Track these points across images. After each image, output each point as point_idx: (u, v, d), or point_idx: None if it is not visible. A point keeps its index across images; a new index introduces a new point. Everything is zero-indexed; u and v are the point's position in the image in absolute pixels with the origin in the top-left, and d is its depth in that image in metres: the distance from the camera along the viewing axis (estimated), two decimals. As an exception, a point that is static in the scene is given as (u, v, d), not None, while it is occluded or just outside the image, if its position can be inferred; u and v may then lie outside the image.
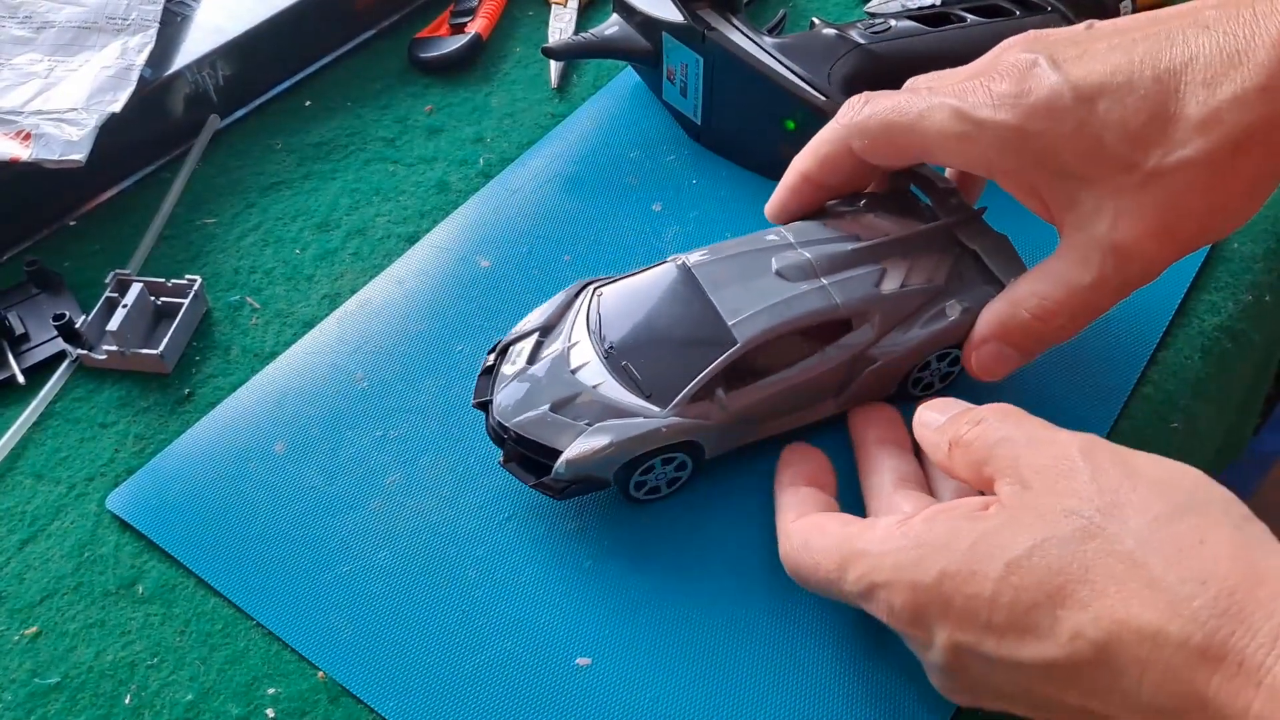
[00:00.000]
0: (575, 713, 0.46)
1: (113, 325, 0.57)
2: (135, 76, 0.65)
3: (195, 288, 0.61)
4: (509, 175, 0.68)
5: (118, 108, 0.64)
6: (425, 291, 0.62)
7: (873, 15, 0.78)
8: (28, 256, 0.64)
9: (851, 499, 0.50)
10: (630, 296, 0.52)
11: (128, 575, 0.51)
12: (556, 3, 0.80)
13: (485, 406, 0.52)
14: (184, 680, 0.48)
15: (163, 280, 0.61)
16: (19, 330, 0.60)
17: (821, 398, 0.52)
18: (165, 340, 0.58)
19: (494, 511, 0.52)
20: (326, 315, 0.61)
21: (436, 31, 0.77)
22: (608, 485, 0.50)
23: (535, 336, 0.53)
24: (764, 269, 0.51)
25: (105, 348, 0.58)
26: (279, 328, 0.61)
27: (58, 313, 0.58)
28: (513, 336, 0.54)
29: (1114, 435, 0.55)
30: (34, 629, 0.50)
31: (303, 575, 0.50)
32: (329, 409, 0.57)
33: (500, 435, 0.51)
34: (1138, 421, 0.55)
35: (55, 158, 0.61)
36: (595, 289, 0.54)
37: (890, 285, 0.51)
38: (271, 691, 0.47)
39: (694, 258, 0.52)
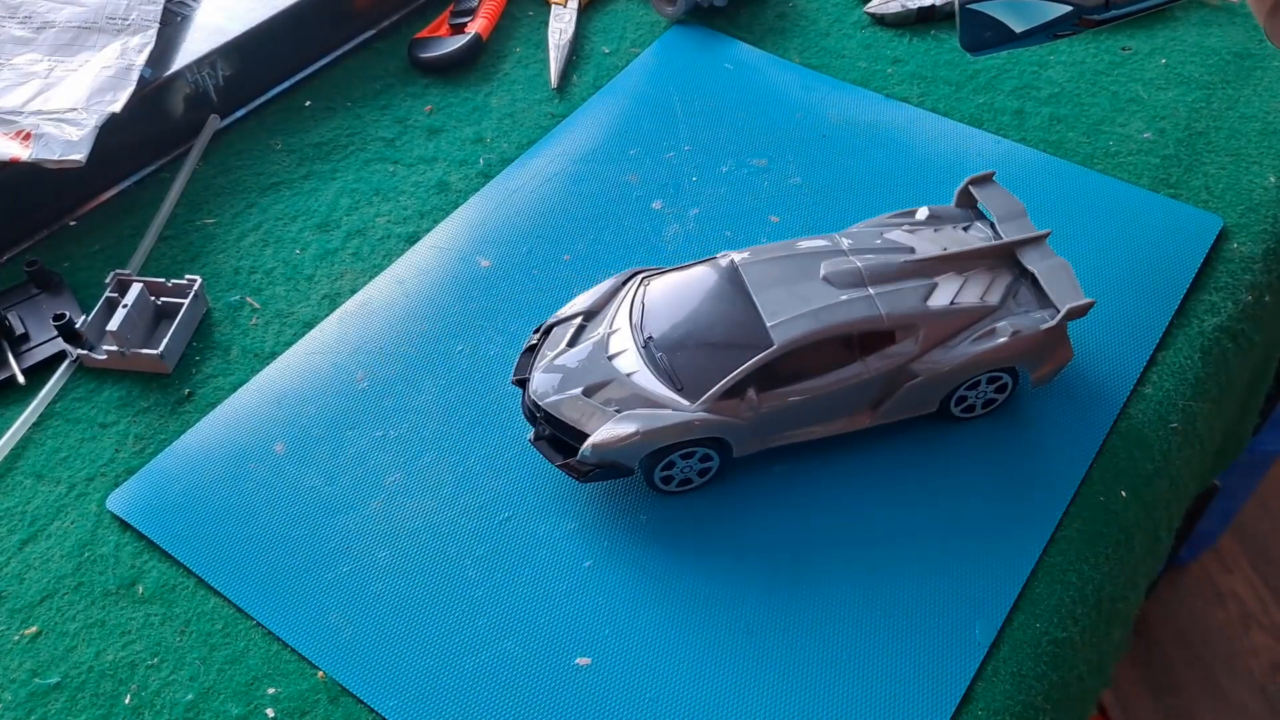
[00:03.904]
0: (575, 713, 0.46)
1: (113, 325, 0.57)
2: (135, 76, 0.65)
3: (195, 288, 0.61)
4: (509, 175, 0.68)
5: (118, 108, 0.64)
6: (425, 291, 0.62)
7: (873, 15, 0.78)
8: (28, 256, 0.64)
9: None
10: (676, 289, 0.52)
11: (128, 575, 0.51)
12: (556, 3, 0.80)
13: (523, 384, 0.52)
14: (184, 680, 0.48)
15: (163, 280, 0.61)
16: (19, 330, 0.60)
17: (858, 408, 0.52)
18: (165, 340, 0.58)
19: (494, 511, 0.52)
20: (326, 315, 0.61)
21: (436, 31, 0.77)
22: (632, 473, 0.50)
23: (579, 320, 0.53)
24: (812, 273, 0.51)
25: (105, 348, 0.58)
26: (279, 328, 0.61)
27: (58, 313, 0.58)
28: (558, 318, 0.54)
29: (1114, 435, 0.55)
30: (34, 629, 0.50)
31: (303, 575, 0.50)
32: (329, 409, 0.57)
33: (533, 414, 0.51)
34: (1137, 421, 0.55)
35: (55, 158, 0.61)
36: (644, 278, 0.54)
37: (939, 301, 0.51)
38: (271, 691, 0.47)
39: (743, 256, 0.52)
